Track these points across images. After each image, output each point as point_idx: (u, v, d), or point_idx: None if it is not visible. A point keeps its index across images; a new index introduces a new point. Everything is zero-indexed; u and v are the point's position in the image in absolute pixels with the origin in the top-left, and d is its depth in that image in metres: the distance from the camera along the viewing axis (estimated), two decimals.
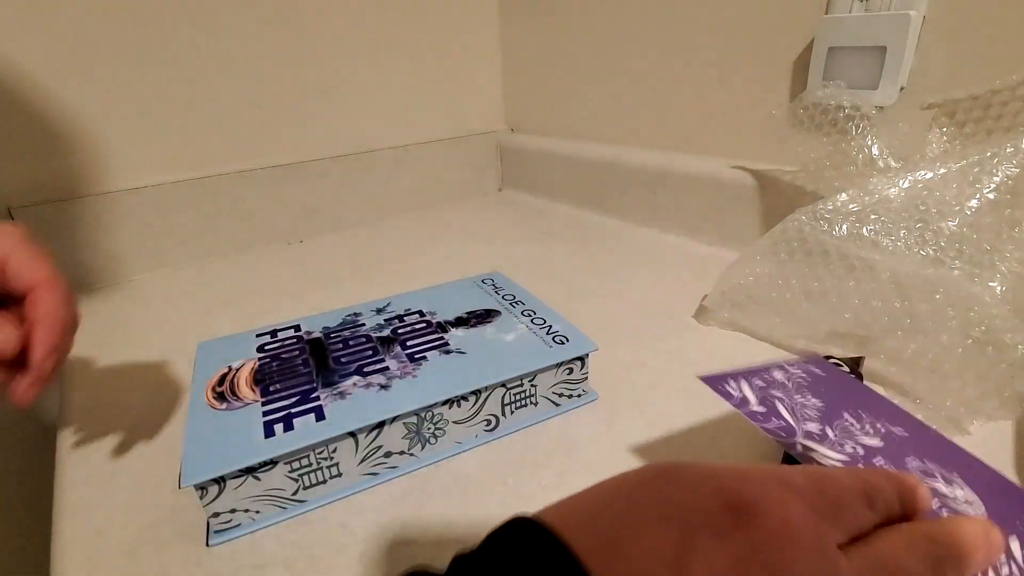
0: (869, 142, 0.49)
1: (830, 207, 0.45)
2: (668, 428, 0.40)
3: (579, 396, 0.43)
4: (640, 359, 0.48)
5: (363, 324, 0.46)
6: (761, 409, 0.29)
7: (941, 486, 0.25)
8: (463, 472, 0.37)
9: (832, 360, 0.41)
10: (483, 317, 0.46)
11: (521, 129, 1.01)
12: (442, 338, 0.43)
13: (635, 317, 0.55)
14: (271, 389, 0.38)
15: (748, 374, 0.32)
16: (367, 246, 0.80)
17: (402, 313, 0.48)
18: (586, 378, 0.43)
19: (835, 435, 0.28)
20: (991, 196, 0.42)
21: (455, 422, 0.38)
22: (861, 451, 0.27)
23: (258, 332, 0.46)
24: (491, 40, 0.96)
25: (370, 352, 0.42)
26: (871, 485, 0.19)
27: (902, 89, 0.51)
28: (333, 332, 0.45)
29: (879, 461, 0.27)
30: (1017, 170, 0.41)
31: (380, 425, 0.35)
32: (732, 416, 0.41)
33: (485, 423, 0.40)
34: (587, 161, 0.85)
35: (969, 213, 0.42)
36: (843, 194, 0.45)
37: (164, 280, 0.71)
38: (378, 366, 0.40)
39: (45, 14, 0.61)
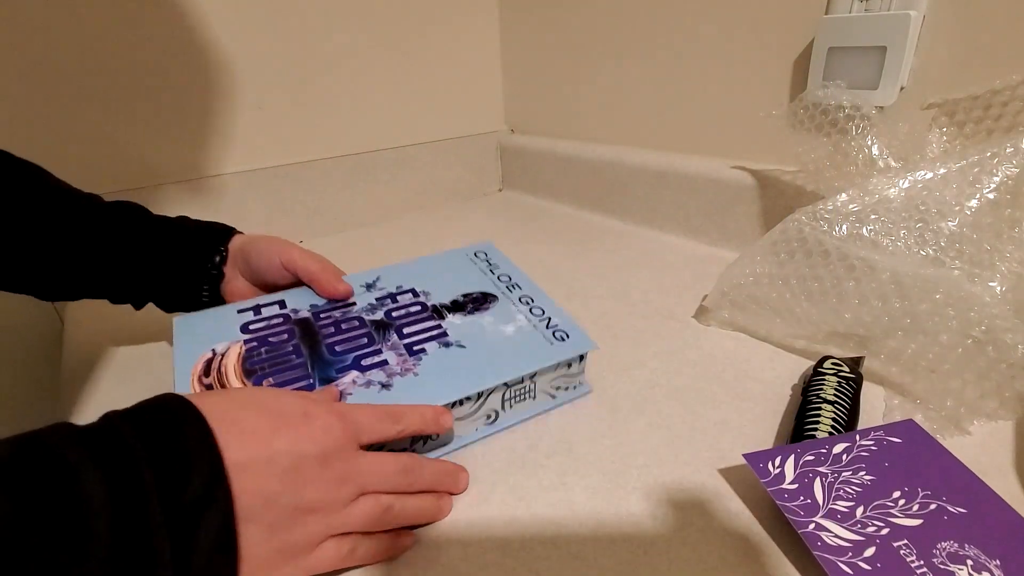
0: (869, 142, 0.49)
1: (830, 207, 0.45)
2: (668, 428, 0.40)
3: (575, 388, 0.43)
4: (640, 359, 0.48)
5: (353, 303, 0.45)
6: (792, 487, 0.31)
7: (965, 571, 0.26)
8: None
9: (833, 360, 0.41)
10: (480, 302, 0.45)
11: (521, 129, 1.01)
12: (440, 326, 0.42)
13: (635, 317, 0.55)
14: (262, 382, 0.37)
15: (801, 448, 0.33)
16: (368, 247, 0.81)
17: (394, 291, 0.45)
18: (583, 372, 0.43)
19: (864, 514, 0.29)
20: (991, 196, 0.42)
21: (457, 419, 0.38)
22: (886, 531, 0.29)
23: (240, 308, 0.43)
24: (491, 40, 0.96)
25: (365, 340, 0.41)
26: (398, 411, 0.33)
27: (902, 89, 0.51)
28: (323, 312, 0.43)
29: (902, 543, 0.28)
30: (1017, 170, 0.41)
31: None
32: (732, 417, 0.41)
33: (485, 417, 0.39)
34: (587, 161, 0.85)
35: (969, 213, 0.42)
36: (843, 194, 0.45)
37: None
38: (376, 359, 0.39)
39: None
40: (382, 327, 0.42)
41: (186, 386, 0.36)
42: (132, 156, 0.70)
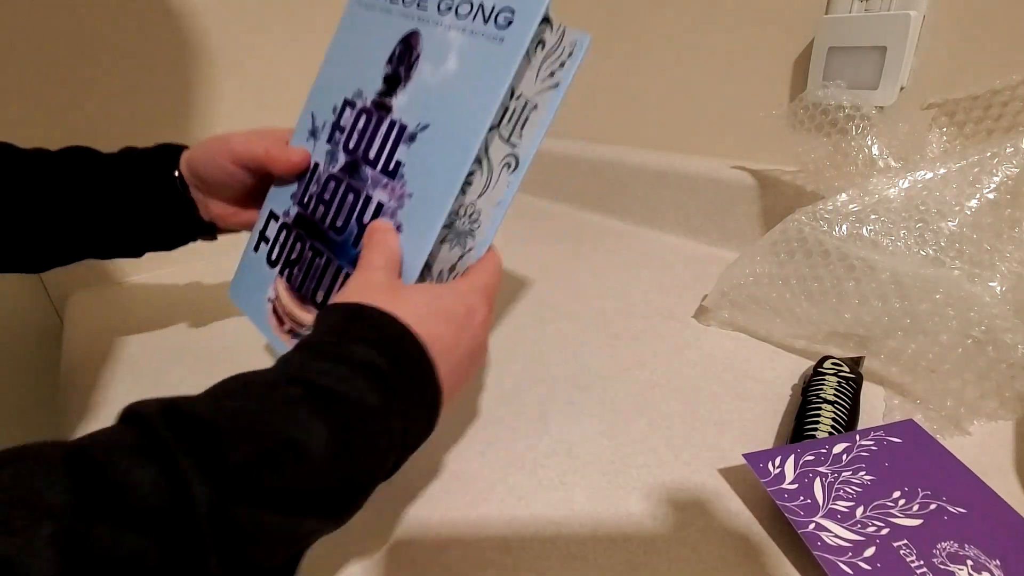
0: (869, 142, 0.49)
1: (830, 207, 0.45)
2: (668, 428, 0.40)
3: (571, 55, 0.34)
4: (640, 359, 0.48)
5: (317, 166, 0.39)
6: (792, 487, 0.31)
7: (965, 571, 0.27)
8: (464, 471, 0.37)
9: (833, 360, 0.41)
10: (406, 56, 0.35)
11: None
12: (392, 122, 0.35)
13: (635, 317, 0.55)
14: (316, 298, 0.36)
15: (801, 448, 0.33)
16: None
17: (333, 119, 0.38)
18: (564, 30, 0.34)
19: (864, 514, 0.30)
20: (991, 196, 0.42)
21: (480, 197, 0.34)
22: (886, 531, 0.29)
23: (253, 246, 0.41)
24: None
25: (351, 196, 0.36)
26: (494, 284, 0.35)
27: (902, 89, 0.51)
28: (304, 197, 0.39)
29: (902, 543, 0.28)
30: (1017, 170, 0.41)
31: (426, 269, 0.33)
32: (732, 417, 0.41)
33: (506, 168, 0.34)
34: (587, 161, 0.85)
35: (969, 213, 0.42)
36: (843, 194, 0.45)
37: (182, 276, 0.71)
38: (371, 208, 0.35)
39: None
40: (352, 168, 0.36)
41: (282, 346, 0.37)
42: None
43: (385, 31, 0.37)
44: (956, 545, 0.28)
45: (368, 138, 0.36)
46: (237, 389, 0.24)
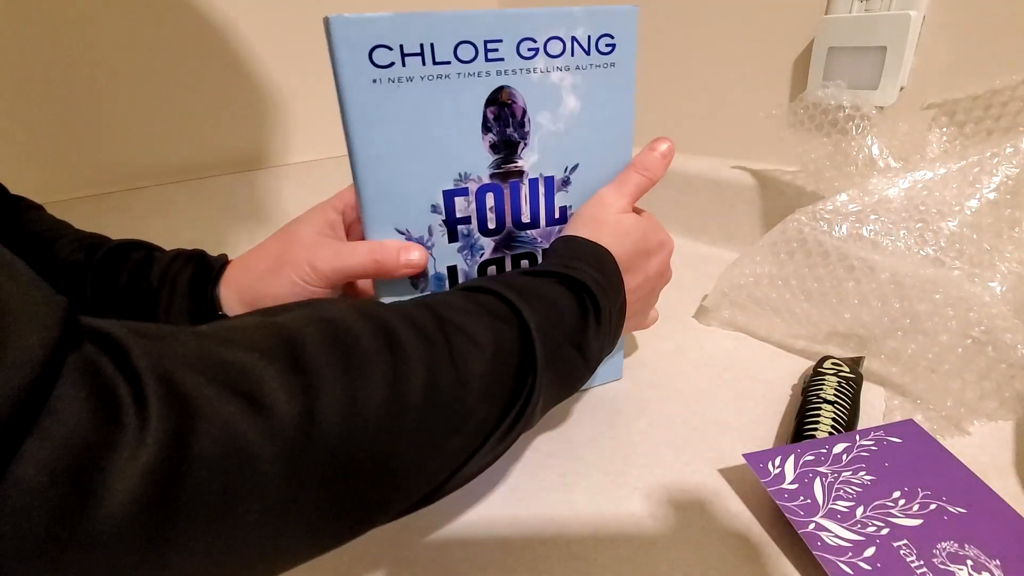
0: (869, 142, 0.49)
1: (830, 207, 0.45)
2: (668, 428, 0.40)
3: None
4: (640, 359, 0.48)
5: (455, 267, 0.34)
6: (792, 487, 0.31)
7: (965, 571, 0.27)
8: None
9: (833, 360, 0.41)
10: (508, 116, 0.32)
11: None
12: (535, 180, 0.33)
13: None
14: None
15: (801, 448, 0.33)
16: None
17: (444, 218, 0.33)
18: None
19: (864, 514, 0.30)
20: (991, 196, 0.42)
21: None
22: (886, 531, 0.29)
23: None
24: None
25: (527, 262, 0.35)
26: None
27: (902, 89, 0.51)
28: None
29: (902, 543, 0.28)
30: (1017, 170, 0.42)
31: None
32: (732, 417, 0.41)
33: None
34: None
35: (969, 213, 0.42)
36: (843, 194, 0.45)
37: None
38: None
39: None
40: (507, 243, 0.34)
41: None
42: (139, 156, 0.70)
43: (446, 101, 0.31)
44: (956, 545, 0.28)
45: (511, 209, 0.34)
46: (517, 274, 0.31)
